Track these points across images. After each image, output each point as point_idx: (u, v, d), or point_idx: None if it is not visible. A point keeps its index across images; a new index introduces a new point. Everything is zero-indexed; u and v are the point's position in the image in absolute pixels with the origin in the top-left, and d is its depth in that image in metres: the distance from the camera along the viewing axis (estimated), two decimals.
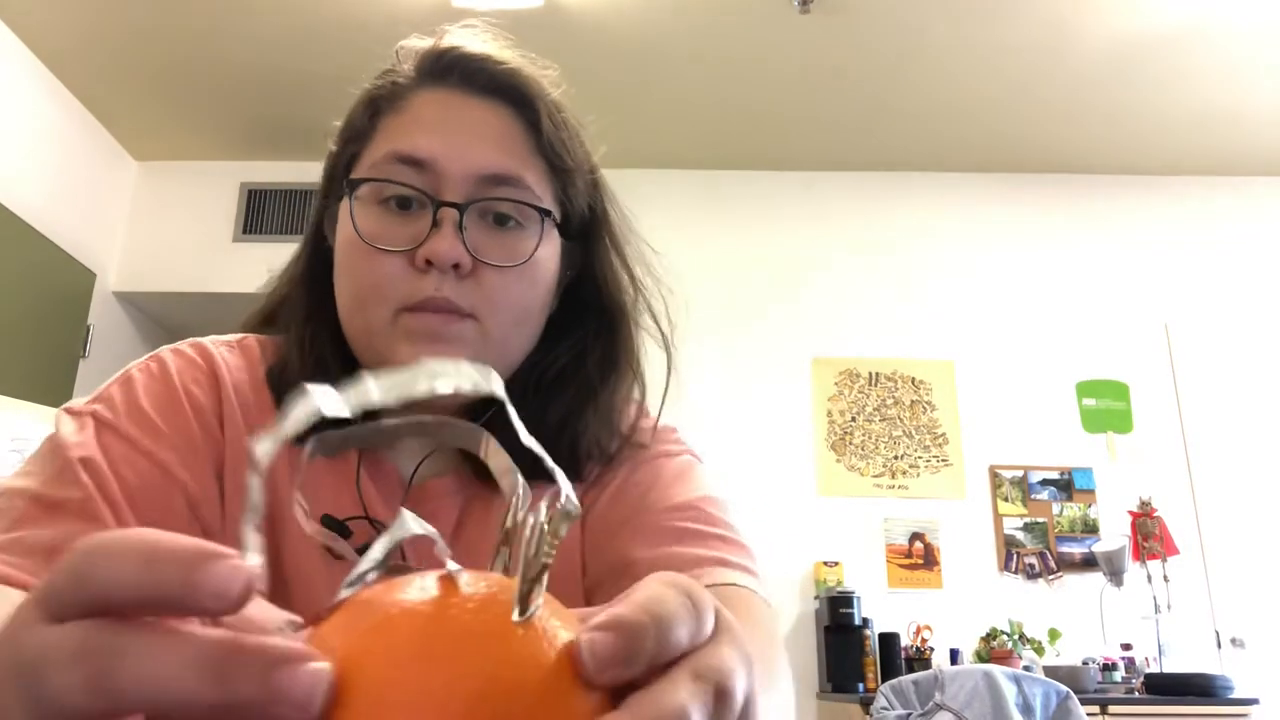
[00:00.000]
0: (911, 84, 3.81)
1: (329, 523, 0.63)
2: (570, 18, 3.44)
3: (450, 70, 0.70)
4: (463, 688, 0.23)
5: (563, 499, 0.27)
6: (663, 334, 0.78)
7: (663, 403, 0.78)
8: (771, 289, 4.23)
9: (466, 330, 0.65)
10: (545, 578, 0.26)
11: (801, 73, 3.76)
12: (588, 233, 0.75)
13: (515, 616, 0.25)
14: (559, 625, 0.26)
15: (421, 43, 0.73)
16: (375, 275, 0.65)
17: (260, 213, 4.31)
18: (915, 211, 4.36)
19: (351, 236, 0.66)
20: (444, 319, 0.64)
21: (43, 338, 3.78)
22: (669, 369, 0.77)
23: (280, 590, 0.63)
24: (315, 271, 0.74)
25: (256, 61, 3.65)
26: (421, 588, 0.26)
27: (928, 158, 4.31)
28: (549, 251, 0.69)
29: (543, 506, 0.27)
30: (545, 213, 0.68)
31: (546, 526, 0.26)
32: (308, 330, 0.70)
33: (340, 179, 0.71)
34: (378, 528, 0.64)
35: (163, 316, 4.51)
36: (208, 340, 0.72)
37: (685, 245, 4.16)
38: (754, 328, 4.14)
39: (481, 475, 0.68)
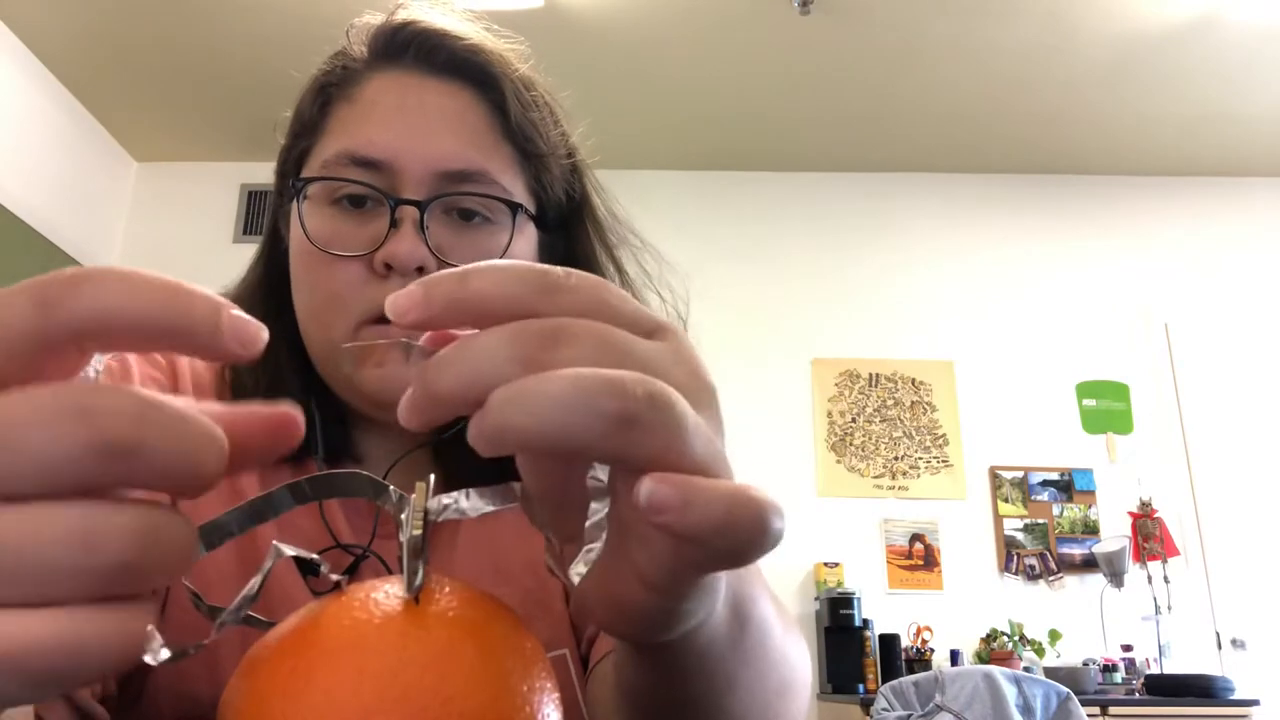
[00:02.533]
0: (911, 84, 3.81)
1: (299, 562, 0.61)
2: (570, 18, 3.44)
3: (405, 48, 0.63)
4: (370, 675, 0.23)
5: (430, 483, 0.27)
6: None
7: None
8: (771, 289, 4.23)
9: None
10: (426, 550, 0.26)
11: (801, 73, 3.76)
12: (567, 222, 0.69)
13: (404, 593, 0.26)
14: (450, 593, 0.27)
15: (375, 19, 0.66)
16: (332, 284, 0.59)
17: (260, 213, 4.30)
18: (915, 212, 4.36)
19: (303, 242, 0.60)
20: (409, 332, 0.58)
21: None
22: None
23: (263, 604, 0.61)
24: (271, 278, 0.67)
25: (256, 62, 3.65)
26: (312, 606, 0.27)
27: (927, 158, 4.31)
28: (523, 247, 0.63)
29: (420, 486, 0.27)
30: (516, 206, 0.62)
31: (412, 502, 0.27)
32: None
33: (292, 176, 0.65)
34: (351, 553, 0.61)
35: None
36: None
37: (685, 245, 4.14)
38: (754, 328, 4.14)
39: (497, 481, 0.64)
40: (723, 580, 0.31)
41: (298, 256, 0.62)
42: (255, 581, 0.28)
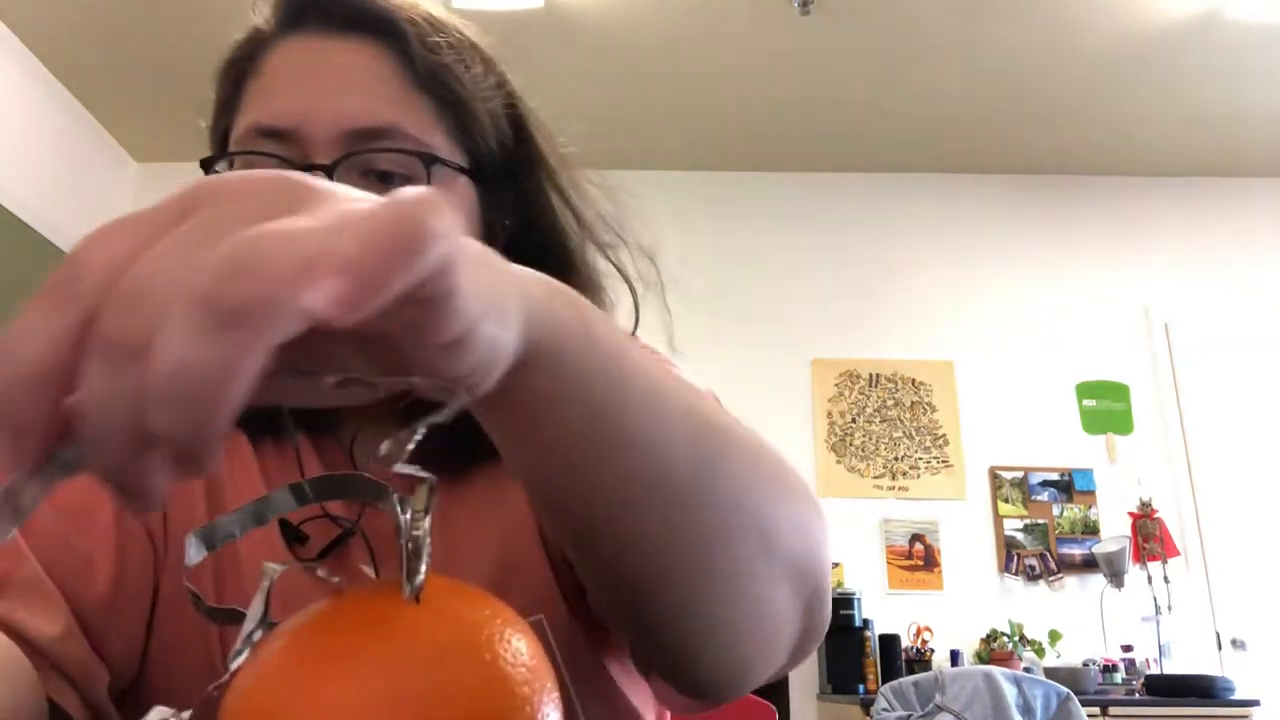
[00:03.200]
0: (911, 84, 3.81)
1: (285, 528, 0.59)
2: (570, 18, 3.44)
3: (303, 12, 0.61)
4: (370, 675, 0.23)
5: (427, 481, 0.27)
6: (620, 271, 0.68)
7: None
8: (771, 289, 4.23)
9: None
10: (425, 551, 0.26)
11: (801, 73, 3.76)
12: (515, 172, 0.65)
13: (405, 594, 0.25)
14: (450, 592, 0.27)
15: None
16: None
17: None
18: (915, 212, 4.35)
19: None
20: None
21: None
22: (636, 312, 0.69)
23: (234, 584, 0.59)
24: None
25: None
26: (313, 607, 0.27)
27: (927, 158, 4.31)
28: (451, 201, 0.59)
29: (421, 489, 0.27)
30: (430, 159, 0.58)
31: (412, 503, 0.27)
32: None
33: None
34: (340, 524, 0.60)
35: None
36: None
37: (686, 245, 4.15)
38: (754, 328, 4.14)
39: (454, 453, 0.57)
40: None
41: None
42: (258, 603, 0.28)
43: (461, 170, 0.61)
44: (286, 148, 0.58)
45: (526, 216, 0.66)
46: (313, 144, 0.57)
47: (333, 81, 0.59)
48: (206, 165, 0.60)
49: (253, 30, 0.65)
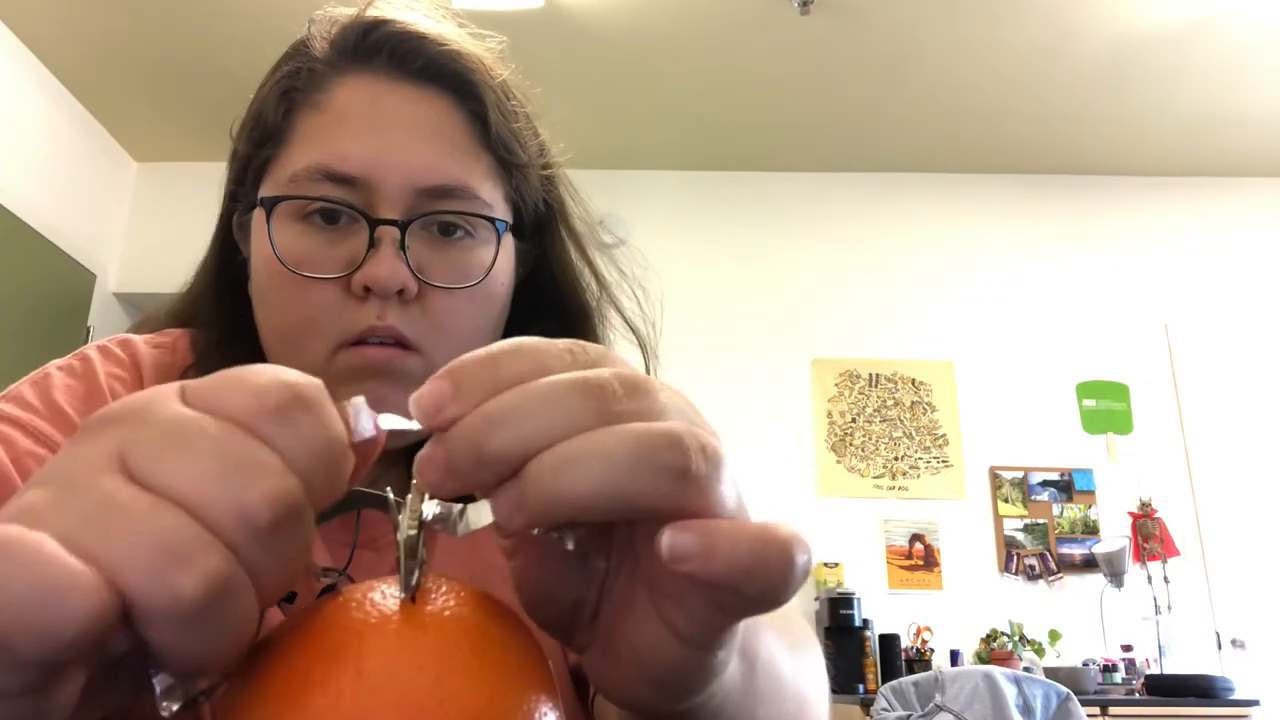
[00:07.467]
0: (911, 84, 3.81)
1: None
2: (570, 18, 3.44)
3: (377, 51, 0.59)
4: (367, 676, 0.23)
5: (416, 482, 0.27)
6: (634, 330, 0.69)
7: None
8: (771, 289, 4.23)
9: (412, 364, 0.56)
10: (422, 550, 0.26)
11: (801, 74, 3.76)
12: (542, 228, 0.66)
13: (400, 593, 0.26)
14: (447, 593, 0.26)
15: (339, 12, 0.62)
16: (306, 307, 0.56)
17: None
18: (915, 212, 4.36)
19: (272, 260, 0.56)
20: (388, 353, 0.55)
21: (43, 339, 3.78)
22: (646, 368, 0.69)
23: None
24: (225, 287, 0.64)
25: (257, 61, 3.64)
26: (309, 607, 0.27)
27: (927, 158, 4.31)
28: (505, 262, 0.60)
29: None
30: (501, 224, 0.59)
31: (407, 505, 0.27)
32: (215, 357, 0.61)
33: (252, 186, 0.61)
34: (327, 576, 0.59)
35: None
36: (138, 338, 0.64)
37: (685, 246, 4.15)
38: (754, 328, 4.14)
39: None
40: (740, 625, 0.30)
41: (265, 275, 0.58)
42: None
43: (510, 229, 0.62)
44: (353, 194, 0.57)
45: (547, 268, 0.67)
46: (381, 195, 0.56)
47: (405, 132, 0.58)
48: (269, 205, 0.58)
49: (307, 55, 0.62)
